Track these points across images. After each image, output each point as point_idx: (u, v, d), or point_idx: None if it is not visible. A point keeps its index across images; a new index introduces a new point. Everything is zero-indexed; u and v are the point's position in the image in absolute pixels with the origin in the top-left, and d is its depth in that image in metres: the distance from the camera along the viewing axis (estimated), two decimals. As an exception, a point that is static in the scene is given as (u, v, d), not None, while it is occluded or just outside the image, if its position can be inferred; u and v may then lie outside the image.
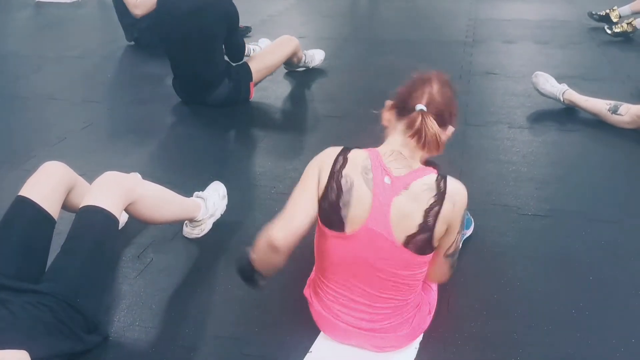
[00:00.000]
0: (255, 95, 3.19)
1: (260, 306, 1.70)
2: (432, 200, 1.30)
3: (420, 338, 1.48)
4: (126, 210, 1.68)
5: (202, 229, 2.01)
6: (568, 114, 2.84)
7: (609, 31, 3.92)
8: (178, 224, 2.04)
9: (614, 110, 2.60)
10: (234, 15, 2.83)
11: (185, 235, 2.02)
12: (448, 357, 1.49)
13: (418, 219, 1.31)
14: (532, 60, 3.64)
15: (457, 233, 1.37)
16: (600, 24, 4.11)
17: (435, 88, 1.36)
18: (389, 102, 1.45)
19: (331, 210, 1.36)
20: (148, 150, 2.69)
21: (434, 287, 1.58)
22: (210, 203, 2.02)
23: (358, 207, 1.33)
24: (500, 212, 2.08)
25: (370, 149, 1.40)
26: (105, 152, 2.68)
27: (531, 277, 1.76)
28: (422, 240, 1.33)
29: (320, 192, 1.38)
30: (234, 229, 2.08)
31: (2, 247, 1.52)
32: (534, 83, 2.90)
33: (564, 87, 2.82)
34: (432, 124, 1.32)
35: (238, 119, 3.00)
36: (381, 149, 1.39)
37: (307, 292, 1.58)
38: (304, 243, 1.79)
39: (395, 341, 1.47)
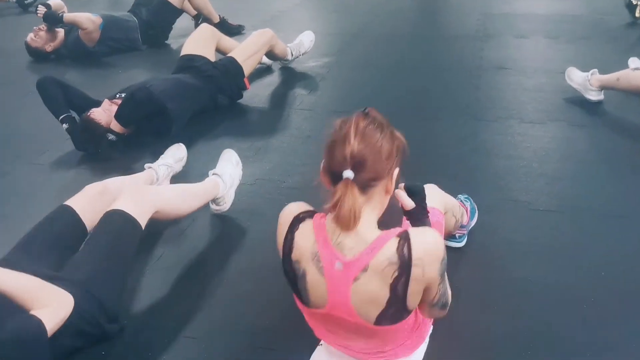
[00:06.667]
0: (262, 91, 3.20)
1: (269, 300, 1.71)
2: (395, 274, 1.14)
3: (430, 331, 1.48)
4: (154, 217, 1.76)
5: (226, 202, 2.09)
6: (579, 109, 2.82)
7: (637, 14, 3.97)
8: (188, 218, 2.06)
9: (636, 68, 2.70)
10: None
11: (214, 212, 2.08)
12: (458, 352, 1.49)
13: (385, 295, 1.16)
14: (543, 54, 3.61)
15: (439, 285, 1.20)
16: (616, 14, 4.08)
17: (356, 142, 1.12)
18: (322, 165, 1.22)
19: (293, 289, 1.28)
20: (155, 149, 2.67)
21: None
22: (227, 177, 2.08)
23: (316, 295, 1.23)
24: (510, 208, 2.07)
25: (318, 222, 1.23)
26: (112, 149, 2.70)
27: (542, 272, 1.75)
28: (394, 312, 1.19)
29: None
30: (243, 223, 2.09)
31: (38, 242, 1.64)
32: (567, 71, 2.94)
33: (593, 70, 2.84)
34: (352, 198, 1.12)
35: (244, 116, 3.01)
36: (329, 224, 1.20)
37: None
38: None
39: (401, 354, 1.39)
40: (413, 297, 1.18)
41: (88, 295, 1.49)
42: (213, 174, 2.07)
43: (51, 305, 1.37)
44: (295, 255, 1.23)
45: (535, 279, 1.73)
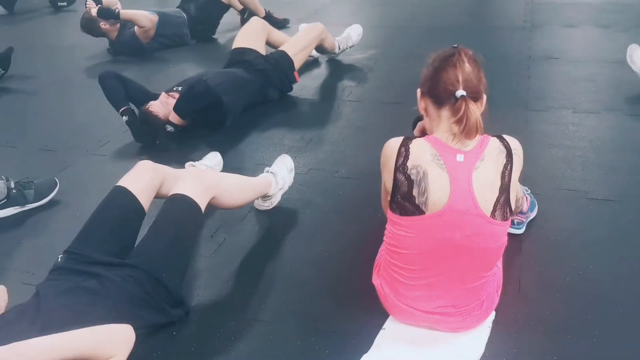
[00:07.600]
0: (310, 84, 3.24)
1: (328, 285, 1.75)
2: (504, 160, 1.39)
3: (492, 317, 1.50)
4: (209, 202, 1.79)
5: (272, 202, 2.14)
6: (636, 98, 2.76)
7: None
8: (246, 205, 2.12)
9: None
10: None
11: (257, 207, 2.14)
12: (520, 339, 1.50)
13: (497, 182, 1.37)
14: (595, 44, 3.54)
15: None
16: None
17: (466, 67, 1.37)
18: (419, 91, 1.47)
19: (405, 201, 1.39)
20: (210, 140, 2.75)
21: (499, 264, 1.59)
22: (280, 177, 2.13)
23: (437, 191, 1.36)
24: (567, 197, 2.06)
25: (430, 137, 1.43)
26: (169, 141, 2.78)
27: (602, 261, 1.74)
28: (503, 202, 1.38)
29: (389, 189, 1.42)
30: (300, 210, 2.14)
31: (99, 228, 1.68)
32: (630, 49, 2.84)
33: None
34: (474, 111, 1.36)
35: (294, 108, 3.06)
36: (440, 135, 1.41)
37: (376, 281, 1.59)
38: (372, 226, 1.84)
39: (468, 322, 1.49)
40: (513, 190, 1.40)
41: (154, 281, 1.54)
42: (269, 172, 2.11)
43: (113, 351, 1.32)
44: (412, 161, 1.39)
45: (595, 268, 1.72)
